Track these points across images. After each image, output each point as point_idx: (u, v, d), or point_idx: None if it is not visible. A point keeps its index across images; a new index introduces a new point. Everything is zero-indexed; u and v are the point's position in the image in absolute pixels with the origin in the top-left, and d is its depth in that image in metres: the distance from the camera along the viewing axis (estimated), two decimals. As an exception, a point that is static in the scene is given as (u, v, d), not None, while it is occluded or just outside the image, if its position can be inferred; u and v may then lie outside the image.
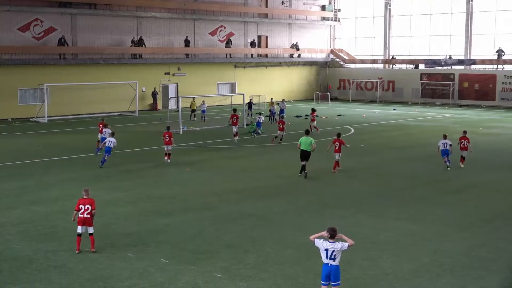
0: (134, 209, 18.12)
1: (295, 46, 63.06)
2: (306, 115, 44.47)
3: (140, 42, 50.92)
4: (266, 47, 61.70)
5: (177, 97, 48.05)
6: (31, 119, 44.28)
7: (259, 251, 14.08)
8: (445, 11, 60.50)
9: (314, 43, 65.86)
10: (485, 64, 56.87)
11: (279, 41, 62.83)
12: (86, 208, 13.91)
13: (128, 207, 18.39)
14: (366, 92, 63.62)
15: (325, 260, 10.53)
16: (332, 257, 10.44)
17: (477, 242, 14.92)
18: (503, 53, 55.55)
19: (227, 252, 14.04)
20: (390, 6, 63.81)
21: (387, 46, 64.39)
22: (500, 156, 28.32)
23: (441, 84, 58.15)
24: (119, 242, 14.78)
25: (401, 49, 63.74)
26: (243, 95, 43.15)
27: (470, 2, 57.85)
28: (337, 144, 23.92)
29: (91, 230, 13.99)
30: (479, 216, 17.40)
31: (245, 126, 38.50)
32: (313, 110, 37.20)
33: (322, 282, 10.63)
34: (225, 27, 57.95)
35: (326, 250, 10.45)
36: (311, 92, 64.29)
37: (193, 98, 45.84)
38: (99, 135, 29.41)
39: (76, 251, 13.88)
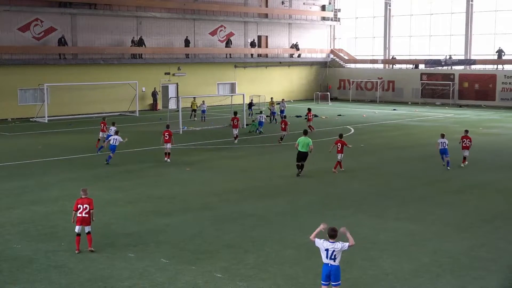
0: (134, 209, 18.12)
1: (295, 46, 63.06)
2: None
3: (140, 42, 50.93)
4: (266, 47, 61.70)
5: (177, 97, 48.06)
6: (31, 119, 44.29)
7: (259, 251, 14.08)
8: (445, 11, 60.51)
9: (314, 43, 65.86)
10: (485, 64, 56.87)
11: (279, 41, 62.84)
12: (84, 207, 13.93)
13: (128, 207, 18.39)
14: (366, 92, 63.62)
15: (325, 260, 10.52)
16: (332, 257, 10.43)
17: (477, 242, 14.91)
18: (503, 53, 55.55)
19: (227, 252, 14.04)
20: (390, 6, 63.81)
21: (387, 46, 64.40)
22: (500, 156, 28.31)
23: (441, 84, 58.15)
24: (119, 242, 14.78)
25: (401, 49, 63.74)
26: (243, 95, 43.15)
27: (470, 2, 57.85)
28: (339, 145, 23.93)
29: (88, 229, 14.02)
30: (479, 216, 17.40)
31: (245, 126, 38.51)
32: (309, 110, 37.39)
33: (322, 282, 10.63)
34: (225, 27, 57.95)
35: (327, 250, 10.45)
36: (311, 92, 64.30)
37: (194, 98, 45.92)
38: (101, 134, 29.63)
39: (76, 251, 13.88)
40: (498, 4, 57.02)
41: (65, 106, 46.60)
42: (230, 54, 57.99)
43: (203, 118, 43.18)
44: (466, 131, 25.75)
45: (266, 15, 61.51)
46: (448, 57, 58.48)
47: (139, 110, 48.46)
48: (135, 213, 17.59)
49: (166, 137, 26.36)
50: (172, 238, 15.12)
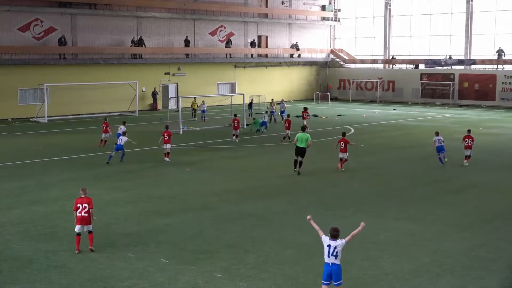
0: (134, 209, 18.12)
1: (295, 46, 63.06)
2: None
3: (140, 42, 50.92)
4: (266, 47, 61.70)
5: (177, 97, 48.06)
6: (31, 119, 44.28)
7: (259, 251, 14.08)
8: (445, 11, 60.50)
9: (314, 43, 65.86)
10: (485, 64, 56.86)
11: (279, 41, 62.83)
12: (83, 207, 13.94)
13: (128, 207, 18.39)
14: (366, 92, 63.62)
15: (327, 259, 10.57)
16: (334, 253, 10.49)
17: (477, 242, 14.91)
18: (503, 53, 55.54)
19: (227, 252, 14.04)
20: (390, 6, 63.80)
21: (387, 46, 64.39)
22: (500, 156, 28.32)
23: (441, 84, 58.15)
24: (119, 242, 14.78)
25: (401, 49, 63.73)
26: (243, 95, 43.16)
27: (470, 2, 57.85)
28: (342, 144, 23.98)
29: (90, 228, 14.03)
30: (479, 216, 17.40)
31: (245, 126, 38.50)
32: (305, 109, 37.54)
33: (323, 281, 10.66)
34: (225, 27, 57.95)
35: (329, 245, 10.54)
36: (311, 92, 64.29)
37: (195, 98, 45.95)
38: (103, 135, 29.81)
39: (76, 251, 13.87)
40: (498, 4, 57.02)
41: (65, 106, 46.60)
42: (230, 54, 57.99)
43: (203, 118, 43.20)
44: (469, 131, 25.93)
45: (266, 15, 61.51)
46: (448, 57, 58.48)
47: (139, 110, 48.45)
48: (135, 213, 17.58)
49: (166, 137, 26.42)
50: (172, 238, 15.11)
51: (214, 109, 50.50)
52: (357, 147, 29.41)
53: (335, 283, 10.56)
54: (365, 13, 66.57)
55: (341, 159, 24.17)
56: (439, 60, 58.82)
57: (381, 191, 20.63)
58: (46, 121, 42.67)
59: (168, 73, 53.67)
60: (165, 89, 53.91)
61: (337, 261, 10.52)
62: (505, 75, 54.77)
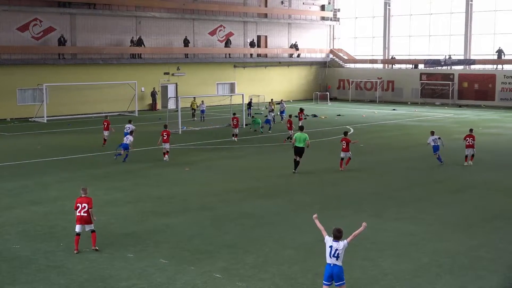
0: (134, 209, 18.10)
1: (295, 46, 63.04)
2: (306, 115, 44.47)
3: (139, 42, 50.90)
4: (266, 47, 61.68)
5: (176, 97, 48.03)
6: (30, 119, 44.25)
7: (259, 251, 14.05)
8: (445, 11, 60.48)
9: (314, 43, 65.84)
10: (485, 64, 56.84)
11: (278, 41, 62.81)
12: (83, 206, 13.92)
13: (127, 207, 18.36)
14: (366, 92, 63.59)
15: (328, 260, 10.55)
16: (335, 255, 10.46)
17: (477, 242, 14.89)
18: (502, 53, 55.53)
19: (226, 252, 14.01)
20: (389, 6, 63.79)
21: (387, 46, 64.37)
22: (500, 156, 28.30)
23: (440, 84, 58.13)
24: (118, 242, 14.75)
25: (401, 49, 63.72)
26: (243, 95, 43.15)
27: (470, 2, 57.84)
28: (344, 143, 23.96)
29: (91, 227, 14.00)
30: (479, 216, 17.38)
31: (244, 126, 38.48)
32: (301, 110, 37.61)
33: (324, 282, 10.64)
34: (224, 27, 57.93)
35: (331, 247, 10.52)
36: (310, 92, 64.27)
37: (194, 98, 45.94)
38: (105, 133, 29.87)
39: (75, 251, 13.84)
40: (497, 4, 57.01)
41: (64, 106, 46.55)
42: (229, 54, 57.97)
43: (202, 118, 43.19)
44: (471, 130, 25.97)
45: (265, 15, 61.50)
46: (447, 57, 58.47)
47: (138, 110, 48.44)
48: (134, 213, 17.56)
49: (165, 137, 26.47)
50: (171, 238, 15.09)
51: (213, 109, 50.47)
52: (357, 146, 29.41)
53: (336, 284, 10.53)
54: (364, 13, 66.55)
55: (342, 159, 24.16)
56: (439, 60, 58.81)
57: (380, 191, 20.61)
58: (45, 121, 42.62)
59: (168, 73, 53.64)
60: (164, 89, 53.87)
61: (338, 262, 10.50)
62: (504, 75, 54.75)
